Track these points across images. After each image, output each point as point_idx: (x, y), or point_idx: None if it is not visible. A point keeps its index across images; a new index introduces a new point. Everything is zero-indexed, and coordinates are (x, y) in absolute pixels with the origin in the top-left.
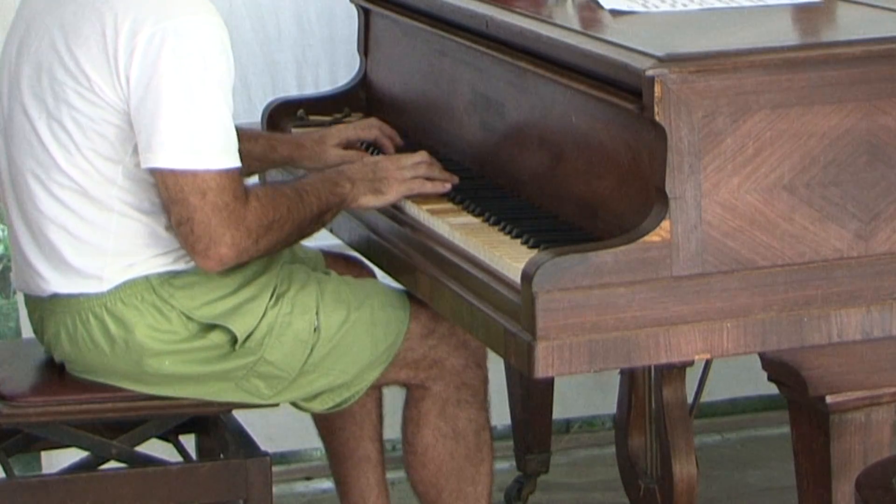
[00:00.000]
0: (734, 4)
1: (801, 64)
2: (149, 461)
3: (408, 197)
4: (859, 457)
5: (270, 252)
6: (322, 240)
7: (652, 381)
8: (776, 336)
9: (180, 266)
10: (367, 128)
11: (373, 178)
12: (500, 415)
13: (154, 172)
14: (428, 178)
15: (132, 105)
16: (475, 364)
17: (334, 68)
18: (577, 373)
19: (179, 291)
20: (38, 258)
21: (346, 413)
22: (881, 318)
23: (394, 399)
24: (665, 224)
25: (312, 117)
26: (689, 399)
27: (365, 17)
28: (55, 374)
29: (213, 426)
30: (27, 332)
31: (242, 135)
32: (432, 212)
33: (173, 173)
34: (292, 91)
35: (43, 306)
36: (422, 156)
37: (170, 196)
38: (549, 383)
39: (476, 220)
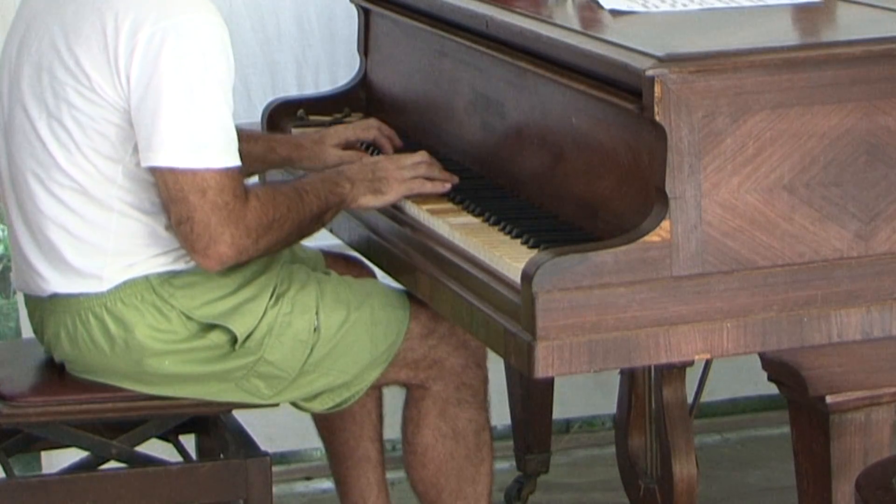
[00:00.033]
0: (734, 4)
1: (801, 64)
2: (149, 461)
3: (408, 197)
4: (859, 457)
5: (270, 251)
6: (322, 240)
7: (652, 381)
8: (776, 336)
9: (180, 266)
10: (366, 128)
11: (372, 179)
12: (500, 415)
13: (154, 171)
14: (428, 178)
15: (132, 104)
16: (475, 364)
17: (334, 68)
18: (577, 373)
19: (179, 291)
20: (38, 258)
21: (346, 413)
22: (881, 318)
23: (394, 399)
24: (665, 224)
25: (312, 117)
26: (689, 399)
27: (365, 17)
28: (55, 374)
29: (213, 426)
30: (27, 332)
31: (242, 135)
32: (432, 212)
33: (173, 172)
34: (292, 91)
35: (43, 306)
36: (422, 156)
37: (169, 195)
38: (549, 383)
39: (476, 220)
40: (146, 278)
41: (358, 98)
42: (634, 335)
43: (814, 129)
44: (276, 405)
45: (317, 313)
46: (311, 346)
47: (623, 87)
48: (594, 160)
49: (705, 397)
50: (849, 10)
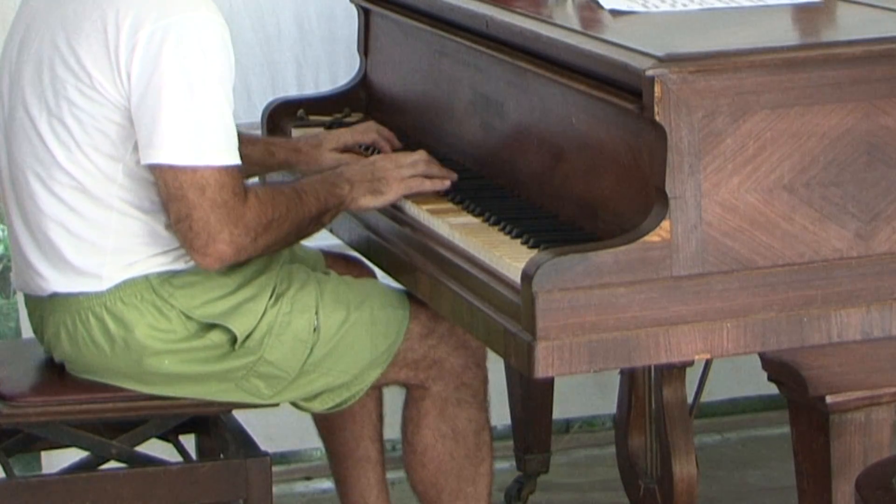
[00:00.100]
0: (734, 4)
1: (801, 64)
2: (149, 461)
3: (407, 196)
4: (859, 457)
5: (269, 251)
6: (322, 240)
7: (652, 381)
8: (776, 336)
9: (180, 265)
10: (365, 132)
11: (371, 179)
12: (500, 415)
13: (153, 169)
14: (427, 177)
15: (133, 102)
16: (475, 364)
17: (334, 68)
18: (577, 373)
19: (179, 291)
20: (38, 257)
21: (346, 413)
22: (881, 318)
23: (394, 399)
24: (665, 224)
25: (312, 117)
26: (689, 399)
27: (365, 17)
28: (55, 374)
29: (213, 426)
30: (27, 332)
31: (241, 139)
32: (432, 212)
33: (172, 169)
34: (292, 91)
35: (43, 306)
36: (420, 154)
37: (169, 193)
38: (548, 383)
39: (476, 220)
40: (146, 278)
41: (358, 98)
42: (634, 335)
43: (814, 129)
44: (276, 405)
45: (316, 313)
46: (311, 346)
47: (623, 87)
48: (594, 160)
49: (705, 397)
50: (849, 10)
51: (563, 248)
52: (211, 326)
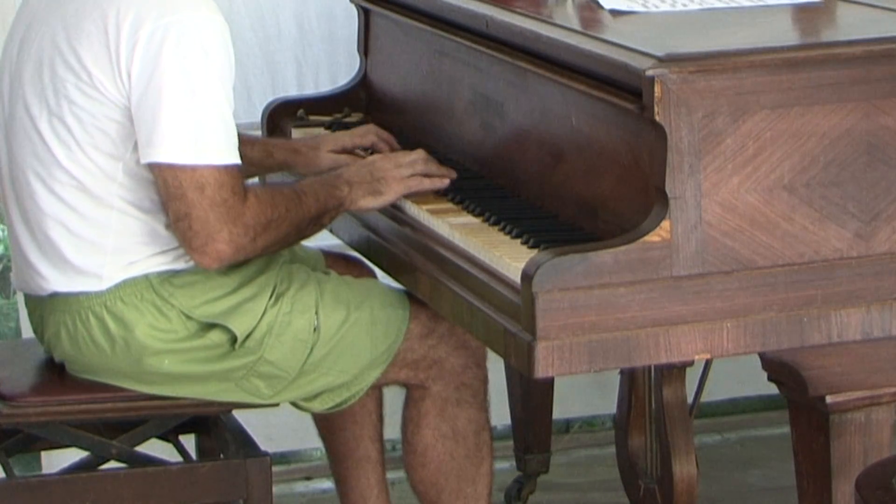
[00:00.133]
0: (734, 4)
1: (801, 64)
2: (149, 461)
3: (407, 196)
4: (859, 457)
5: (268, 251)
6: (322, 240)
7: (652, 381)
8: (776, 336)
9: (180, 265)
10: (364, 134)
11: (370, 180)
12: (500, 415)
13: (153, 168)
14: (426, 176)
15: (133, 101)
16: (475, 364)
17: (334, 68)
18: (577, 373)
19: (179, 290)
20: (38, 257)
21: (346, 413)
22: (881, 318)
23: (394, 399)
24: (665, 224)
25: (312, 117)
26: (689, 399)
27: (365, 17)
28: (55, 374)
29: (213, 426)
30: (27, 332)
31: (240, 139)
32: (432, 212)
33: (172, 168)
34: (292, 91)
35: (43, 305)
36: (418, 153)
37: (168, 191)
38: (548, 383)
39: (476, 220)
40: (146, 277)
41: (358, 98)
42: (634, 335)
43: (814, 129)
44: (276, 405)
45: (316, 313)
46: (311, 346)
47: (623, 87)
48: (594, 160)
49: (705, 397)
50: (849, 10)
51: (563, 248)
52: (211, 326)
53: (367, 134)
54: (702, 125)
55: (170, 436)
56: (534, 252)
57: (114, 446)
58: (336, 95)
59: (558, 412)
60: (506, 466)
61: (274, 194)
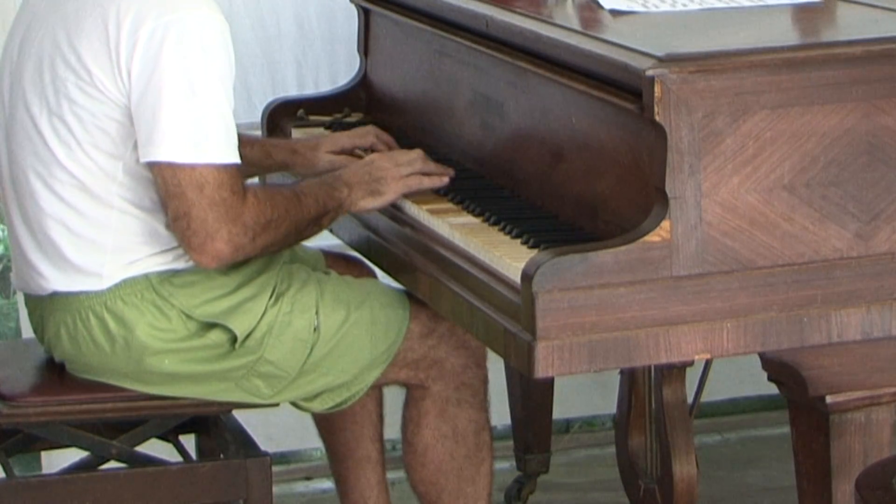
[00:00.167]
0: (734, 4)
1: (801, 64)
2: (149, 461)
3: (407, 196)
4: (859, 457)
5: (266, 252)
6: (322, 240)
7: (652, 381)
8: (776, 336)
9: (180, 265)
10: (364, 135)
11: (369, 180)
12: (500, 415)
13: (152, 166)
14: (424, 174)
15: (133, 99)
16: (475, 364)
17: (334, 68)
18: (577, 373)
19: (179, 290)
20: (38, 256)
21: (346, 413)
22: (881, 318)
23: (394, 399)
24: (665, 224)
25: (312, 117)
26: (689, 399)
27: (365, 17)
28: (55, 374)
29: (213, 426)
30: (27, 332)
31: (239, 140)
32: (432, 212)
33: (171, 167)
34: (292, 91)
35: (43, 305)
36: (416, 152)
37: (167, 190)
38: (548, 383)
39: (476, 220)
40: (146, 277)
41: (358, 98)
42: (634, 335)
43: (814, 129)
44: (276, 405)
45: (317, 313)
46: (311, 346)
47: (623, 87)
48: (594, 160)
49: (705, 397)
50: (849, 10)
51: (563, 248)
52: (211, 326)
53: (366, 135)
54: (702, 125)
55: (170, 436)
56: (534, 252)
57: (114, 446)
58: (336, 95)
59: (558, 412)
60: (506, 466)
61: (273, 195)
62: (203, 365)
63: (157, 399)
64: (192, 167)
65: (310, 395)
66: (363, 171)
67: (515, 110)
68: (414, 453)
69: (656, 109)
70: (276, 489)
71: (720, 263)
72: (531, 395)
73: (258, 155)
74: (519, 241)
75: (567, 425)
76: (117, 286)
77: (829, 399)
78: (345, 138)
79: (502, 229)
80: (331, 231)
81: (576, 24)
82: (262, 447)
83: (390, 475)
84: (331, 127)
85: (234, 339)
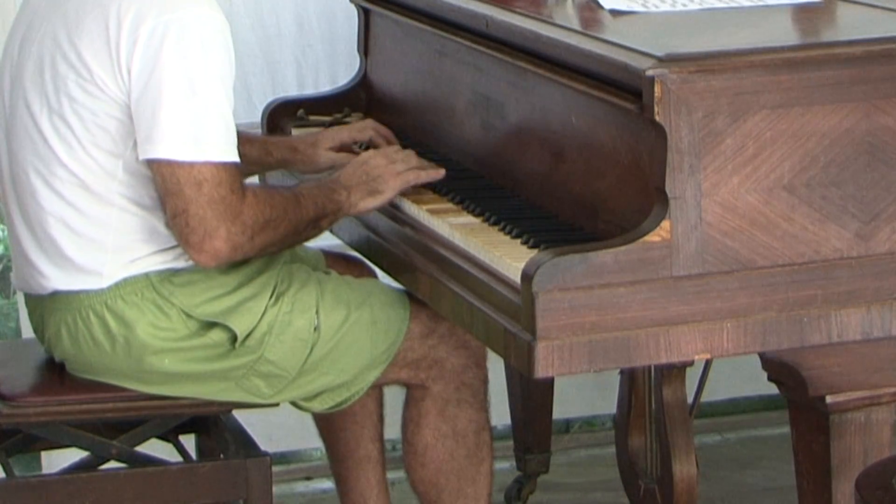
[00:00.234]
0: (734, 4)
1: (801, 64)
2: (149, 461)
3: (407, 196)
4: (859, 457)
5: (265, 252)
6: (323, 240)
7: (652, 381)
8: (776, 336)
9: (181, 264)
10: (362, 129)
11: (367, 180)
12: (500, 415)
13: (151, 164)
14: (420, 169)
15: (133, 97)
16: (475, 364)
17: (334, 68)
18: (577, 373)
19: (179, 289)
20: (39, 255)
21: (346, 413)
22: (881, 318)
23: (394, 399)
24: (665, 224)
25: (312, 117)
26: (689, 399)
27: (365, 17)
28: (55, 373)
29: (213, 426)
30: (27, 332)
31: (239, 137)
32: (432, 212)
33: (170, 164)
34: (292, 91)
35: (43, 304)
36: (408, 151)
37: (166, 188)
38: (549, 383)
39: (476, 220)
40: (146, 276)
41: (358, 98)
42: (634, 335)
43: (814, 129)
44: (277, 405)
45: (317, 312)
46: (312, 346)
47: (623, 87)
48: (594, 160)
49: (705, 397)
50: (849, 10)
51: (563, 248)
52: (211, 325)
53: (365, 129)
54: (702, 125)
55: (170, 436)
56: (534, 252)
57: (114, 446)
58: (336, 95)
59: (558, 412)
60: (506, 466)
61: (273, 195)
62: (203, 364)
63: (157, 399)
64: (191, 165)
65: (310, 395)
66: (360, 172)
67: (515, 110)
68: (414, 453)
69: (656, 109)
70: (276, 489)
71: (720, 263)
72: (531, 395)
73: (258, 153)
74: (519, 241)
75: (567, 425)
76: (118, 285)
77: (829, 399)
78: (343, 133)
79: (502, 229)
80: (331, 231)
81: (576, 24)
82: (262, 447)
83: (390, 475)
84: (331, 127)
85: (234, 339)
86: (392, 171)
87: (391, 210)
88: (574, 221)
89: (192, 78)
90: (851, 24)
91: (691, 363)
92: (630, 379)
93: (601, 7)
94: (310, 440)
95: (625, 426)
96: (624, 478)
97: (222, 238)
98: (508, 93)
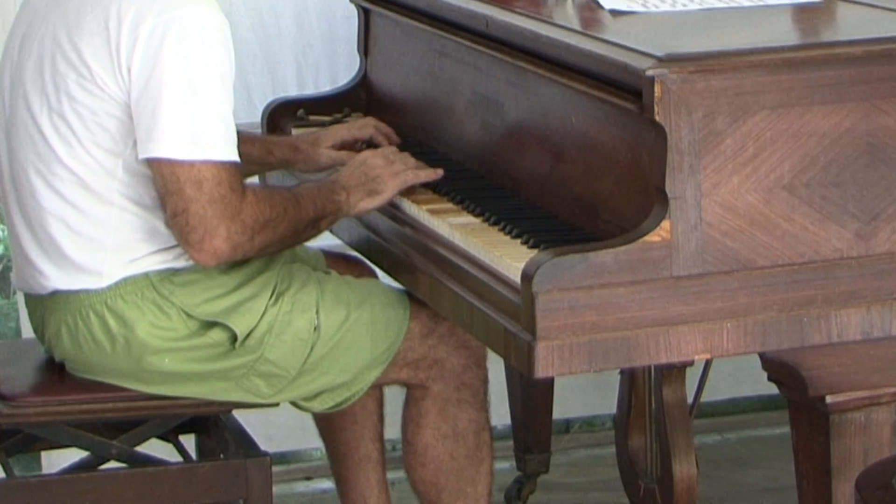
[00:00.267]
0: (734, 4)
1: (801, 64)
2: (149, 461)
3: (407, 196)
4: (859, 457)
5: (264, 252)
6: (323, 240)
7: (652, 381)
8: (776, 336)
9: (181, 263)
10: (363, 127)
11: (366, 181)
12: (500, 415)
13: (151, 163)
14: (418, 169)
15: (133, 96)
16: (475, 364)
17: (334, 68)
18: (577, 373)
19: (179, 289)
20: (39, 255)
21: (346, 413)
22: (881, 318)
23: (394, 399)
24: (665, 224)
25: (312, 117)
26: (689, 399)
27: (365, 17)
28: (55, 373)
29: (213, 426)
30: (27, 332)
31: (240, 137)
32: (432, 212)
33: (170, 163)
34: (292, 91)
35: (44, 304)
36: (404, 153)
37: (166, 187)
38: (549, 383)
39: (476, 220)
40: (146, 275)
41: (358, 98)
42: (634, 335)
43: (814, 129)
44: (277, 405)
45: (317, 312)
46: (312, 345)
47: (623, 87)
48: (594, 160)
49: (705, 397)
50: (849, 10)
51: (563, 248)
52: (211, 325)
53: (366, 127)
54: (702, 125)
55: (170, 436)
56: (534, 252)
57: (114, 446)
58: (336, 95)
59: (558, 412)
60: (506, 466)
61: (273, 195)
62: (203, 364)
63: (157, 399)
64: (191, 164)
65: (310, 395)
66: (358, 173)
67: (515, 110)
68: (414, 453)
69: (656, 109)
70: (276, 489)
71: (720, 263)
72: (531, 395)
73: (259, 152)
74: (519, 241)
75: (567, 425)
76: (118, 284)
77: (829, 399)
78: (344, 131)
79: (502, 229)
80: (331, 231)
81: (576, 24)
82: (262, 447)
83: (390, 475)
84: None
85: (234, 338)
86: (390, 171)
87: (391, 210)
88: (574, 221)
89: (193, 77)
90: (851, 24)
91: (691, 363)
92: (630, 379)
93: (601, 7)
94: (310, 440)
95: (625, 426)
96: (624, 478)
97: (222, 237)
98: (508, 93)
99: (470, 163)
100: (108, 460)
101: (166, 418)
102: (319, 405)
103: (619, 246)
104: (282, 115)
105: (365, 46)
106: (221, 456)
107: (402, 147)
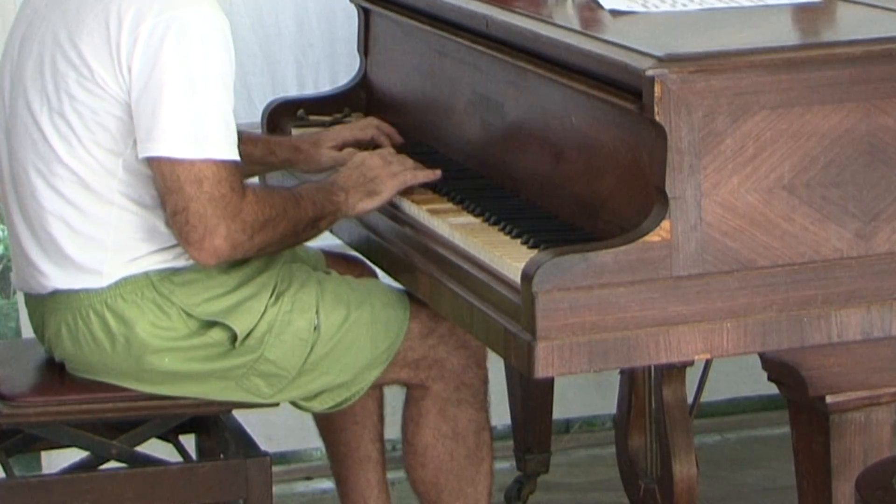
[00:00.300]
0: (734, 4)
1: (801, 64)
2: (149, 461)
3: (407, 196)
4: (859, 457)
5: (264, 251)
6: (323, 240)
7: (652, 381)
8: (776, 336)
9: (181, 263)
10: (364, 127)
11: (364, 181)
12: (500, 415)
13: (151, 162)
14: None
15: (133, 96)
16: (475, 364)
17: (334, 68)
18: (577, 373)
19: (179, 288)
20: (39, 254)
21: (347, 413)
22: (881, 318)
23: (394, 399)
24: (665, 224)
25: (312, 117)
26: (689, 399)
27: (365, 17)
28: (55, 373)
29: (213, 426)
30: (27, 332)
31: (241, 138)
32: (432, 212)
33: (170, 162)
34: (292, 91)
35: (44, 304)
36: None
37: (166, 186)
38: (549, 383)
39: (476, 220)
40: (146, 275)
41: (358, 98)
42: (634, 335)
43: (814, 129)
44: (277, 404)
45: (317, 312)
46: (312, 345)
47: (623, 87)
48: (594, 160)
49: (705, 397)
50: (849, 10)
51: (563, 248)
52: (211, 324)
53: (367, 127)
54: (702, 125)
55: (170, 436)
56: (534, 252)
57: (114, 446)
58: (336, 95)
59: (558, 412)
60: (506, 466)
61: (273, 194)
62: (203, 363)
63: (157, 399)
64: (191, 162)
65: (310, 395)
66: (357, 174)
67: (515, 110)
68: (414, 453)
69: (656, 109)
70: (276, 489)
71: (720, 263)
72: (531, 395)
73: (261, 153)
74: (519, 241)
75: (567, 425)
76: (118, 284)
77: (829, 399)
78: (346, 132)
79: (502, 229)
80: (331, 231)
81: (576, 24)
82: (262, 447)
83: (390, 475)
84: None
85: (234, 338)
86: (389, 172)
87: (391, 210)
88: (574, 221)
89: (193, 76)
90: (851, 24)
91: (691, 363)
92: (630, 379)
93: (601, 7)
94: (310, 440)
95: (625, 426)
96: (624, 478)
97: (222, 236)
98: (508, 93)
99: (470, 163)
100: (108, 460)
101: (166, 418)
102: (319, 405)
103: (619, 246)
104: (282, 115)
105: (365, 46)
106: (221, 456)
107: (403, 147)
